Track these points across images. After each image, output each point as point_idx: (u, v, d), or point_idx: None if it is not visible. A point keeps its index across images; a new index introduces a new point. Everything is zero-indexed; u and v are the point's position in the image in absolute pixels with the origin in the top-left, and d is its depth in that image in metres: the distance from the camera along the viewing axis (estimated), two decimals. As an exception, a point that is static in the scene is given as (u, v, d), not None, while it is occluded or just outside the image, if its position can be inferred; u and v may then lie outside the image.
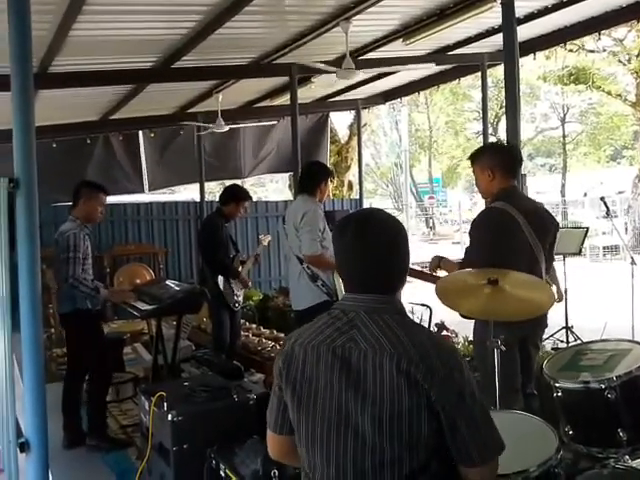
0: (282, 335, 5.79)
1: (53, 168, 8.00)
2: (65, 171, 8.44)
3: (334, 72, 5.49)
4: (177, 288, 4.44)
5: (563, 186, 27.37)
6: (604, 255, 16.22)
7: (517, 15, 4.36)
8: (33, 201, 2.33)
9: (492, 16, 5.19)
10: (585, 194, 23.42)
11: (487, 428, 1.36)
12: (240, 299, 5.08)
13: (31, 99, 2.38)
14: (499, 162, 2.88)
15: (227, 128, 8.09)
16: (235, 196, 4.98)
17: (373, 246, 1.43)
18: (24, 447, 2.13)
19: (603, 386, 2.12)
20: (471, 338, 3.11)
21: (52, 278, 4.17)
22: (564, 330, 6.06)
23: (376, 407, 1.32)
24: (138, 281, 7.36)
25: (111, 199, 5.44)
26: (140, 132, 9.45)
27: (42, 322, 2.38)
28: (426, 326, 4.20)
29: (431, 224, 28.72)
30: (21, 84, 2.32)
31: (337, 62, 5.90)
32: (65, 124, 8.33)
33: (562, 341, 5.95)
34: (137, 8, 4.43)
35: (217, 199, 5.42)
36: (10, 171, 2.39)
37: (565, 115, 27.83)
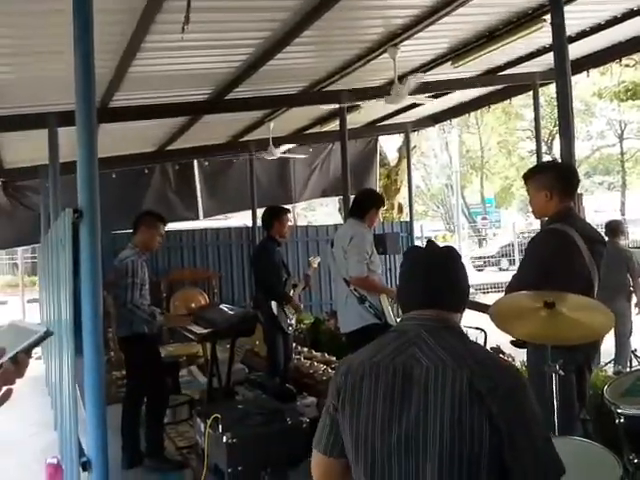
0: (333, 358, 5.78)
1: (113, 198, 8.31)
2: (124, 200, 8.78)
3: (382, 99, 5.54)
4: (231, 312, 4.53)
5: (623, 204, 26.38)
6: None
7: (568, 33, 4.30)
8: (96, 230, 2.44)
9: (543, 35, 5.13)
10: (647, 212, 22.47)
11: (547, 449, 1.33)
12: (293, 322, 5.13)
13: (94, 133, 2.51)
14: (558, 182, 2.81)
15: (279, 154, 8.26)
16: (274, 214, 5.08)
17: (440, 263, 1.51)
18: (86, 466, 2.22)
19: (669, 413, 2.03)
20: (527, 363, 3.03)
21: (112, 304, 4.33)
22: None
23: (437, 421, 1.31)
24: (193, 305, 7.53)
25: (167, 226, 5.64)
26: (195, 162, 9.76)
27: (103, 345, 2.48)
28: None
29: (485, 246, 28.14)
30: (85, 119, 2.45)
31: (386, 87, 5.96)
32: (124, 155, 8.67)
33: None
34: (191, 44, 4.61)
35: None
36: (73, 201, 2.52)
37: (623, 131, 26.93)
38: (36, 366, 7.48)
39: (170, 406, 4.65)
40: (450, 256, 1.54)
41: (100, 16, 2.87)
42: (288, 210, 5.32)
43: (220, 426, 2.87)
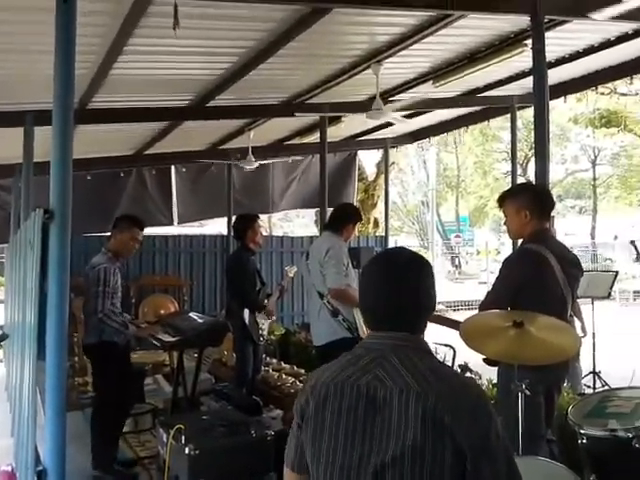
0: (302, 371, 5.75)
1: (86, 200, 8.18)
2: (98, 203, 8.68)
3: (363, 113, 5.58)
4: (200, 320, 4.47)
5: (593, 228, 26.98)
6: (634, 299, 15.82)
7: (548, 59, 4.40)
8: (66, 232, 2.39)
9: (523, 60, 5.24)
10: (616, 237, 23.00)
11: (511, 473, 1.33)
12: (265, 333, 5.08)
13: (70, 135, 2.47)
14: (536, 203, 2.85)
15: (257, 164, 8.25)
16: (246, 222, 5.05)
17: (402, 283, 1.43)
18: (42, 475, 2.14)
19: (630, 435, 2.06)
20: (495, 381, 3.05)
21: (79, 307, 4.24)
22: (591, 375, 5.91)
23: (399, 446, 1.30)
24: (162, 312, 7.43)
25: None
26: (172, 167, 9.69)
27: (67, 351, 2.42)
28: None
29: (457, 263, 28.44)
30: (61, 120, 2.42)
31: (367, 102, 6.01)
32: (100, 157, 8.57)
33: (589, 386, 5.79)
34: (175, 49, 4.59)
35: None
36: (46, 202, 2.47)
37: (596, 157, 27.59)
38: (-4, 369, 7.28)
39: (133, 414, 4.56)
40: (417, 269, 1.45)
41: (83, 18, 2.85)
42: (258, 217, 5.28)
43: (183, 437, 2.82)
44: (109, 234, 4.25)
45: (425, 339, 1.50)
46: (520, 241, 2.96)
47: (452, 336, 2.78)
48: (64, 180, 2.40)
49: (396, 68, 5.75)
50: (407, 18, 4.55)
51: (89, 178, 8.74)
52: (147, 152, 8.75)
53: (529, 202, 2.85)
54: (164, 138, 7.80)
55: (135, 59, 4.72)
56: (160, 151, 8.70)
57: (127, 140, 8.11)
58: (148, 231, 9.65)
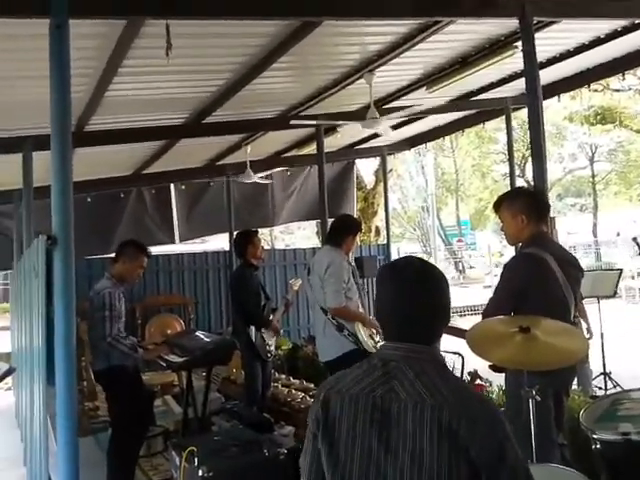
0: (311, 385, 5.71)
1: (87, 222, 8.19)
2: (99, 225, 8.69)
3: (359, 123, 5.60)
4: (207, 339, 4.45)
5: (595, 226, 26.93)
6: (641, 296, 15.78)
7: (539, 60, 4.42)
8: (70, 257, 2.39)
9: (514, 61, 5.26)
10: (618, 234, 22.95)
11: None
12: (272, 348, 5.05)
13: (69, 158, 2.48)
14: (532, 207, 2.86)
15: (256, 178, 8.26)
16: (245, 238, 5.04)
17: (417, 293, 1.42)
18: (57, 504, 2.13)
19: (645, 438, 2.04)
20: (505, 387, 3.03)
21: (85, 331, 4.21)
22: (602, 376, 5.87)
23: (415, 460, 1.29)
24: (169, 332, 7.41)
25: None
26: (172, 185, 9.71)
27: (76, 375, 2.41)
28: (459, 375, 4.11)
29: (460, 267, 28.38)
30: (60, 145, 2.43)
31: (362, 111, 6.03)
32: (99, 179, 8.59)
33: (600, 388, 5.74)
34: (169, 69, 4.61)
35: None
36: (47, 226, 2.48)
37: (594, 154, 27.60)
38: (5, 397, 7.26)
39: (144, 438, 4.53)
40: (429, 281, 1.44)
41: (77, 41, 2.87)
42: (257, 231, 5.28)
43: (196, 459, 2.81)
44: (113, 256, 4.21)
45: (440, 350, 1.49)
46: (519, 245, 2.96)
47: (460, 344, 2.77)
48: (65, 205, 2.41)
49: (389, 76, 5.78)
50: (397, 27, 4.58)
51: (89, 200, 8.76)
52: (146, 171, 8.78)
53: (525, 206, 2.86)
54: (162, 157, 7.83)
55: (130, 80, 4.76)
56: (159, 170, 8.73)
57: (126, 160, 8.14)
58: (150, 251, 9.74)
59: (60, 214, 2.38)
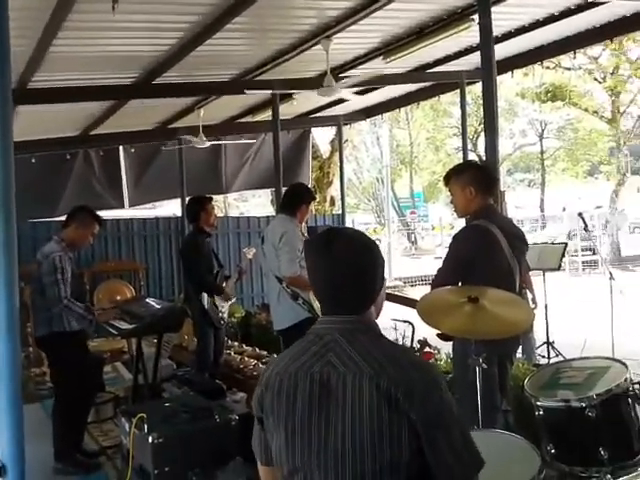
0: (264, 353, 5.74)
1: (32, 183, 7.91)
2: (44, 187, 8.38)
3: (314, 90, 5.53)
4: (158, 306, 4.38)
5: (542, 201, 27.75)
6: (584, 269, 16.45)
7: (495, 34, 4.44)
8: (11, 217, 2.28)
9: (470, 35, 5.28)
10: (564, 209, 23.76)
11: (466, 446, 1.36)
12: (225, 315, 5.03)
13: (9, 115, 2.34)
14: (480, 180, 2.92)
15: (209, 144, 8.08)
16: (198, 204, 4.96)
17: (339, 265, 1.40)
18: (1, 472, 2.08)
19: (584, 404, 2.13)
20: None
21: (29, 296, 4.09)
22: (545, 345, 6.11)
23: (356, 429, 1.31)
24: (119, 298, 7.27)
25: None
26: (120, 148, 9.40)
27: (20, 341, 2.34)
28: (408, 343, 4.20)
29: (413, 239, 28.84)
30: (-1, 100, 2.29)
31: (318, 79, 5.95)
32: (44, 139, 8.25)
33: (544, 356, 5.99)
34: (118, 25, 4.42)
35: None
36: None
37: (543, 131, 28.27)
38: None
39: (94, 404, 4.47)
40: (356, 250, 1.42)
41: (16, -9, 2.69)
42: (211, 198, 5.19)
43: (146, 426, 2.78)
44: (63, 220, 4.11)
45: (374, 319, 1.49)
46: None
47: (411, 312, 2.82)
48: (5, 163, 2.28)
49: (346, 44, 5.71)
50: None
51: (33, 161, 8.41)
52: (93, 132, 8.46)
53: (473, 179, 2.91)
54: (110, 118, 7.55)
55: (75, 35, 4.54)
56: (107, 131, 8.42)
57: (72, 121, 7.82)
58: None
59: (0, 173, 2.27)
